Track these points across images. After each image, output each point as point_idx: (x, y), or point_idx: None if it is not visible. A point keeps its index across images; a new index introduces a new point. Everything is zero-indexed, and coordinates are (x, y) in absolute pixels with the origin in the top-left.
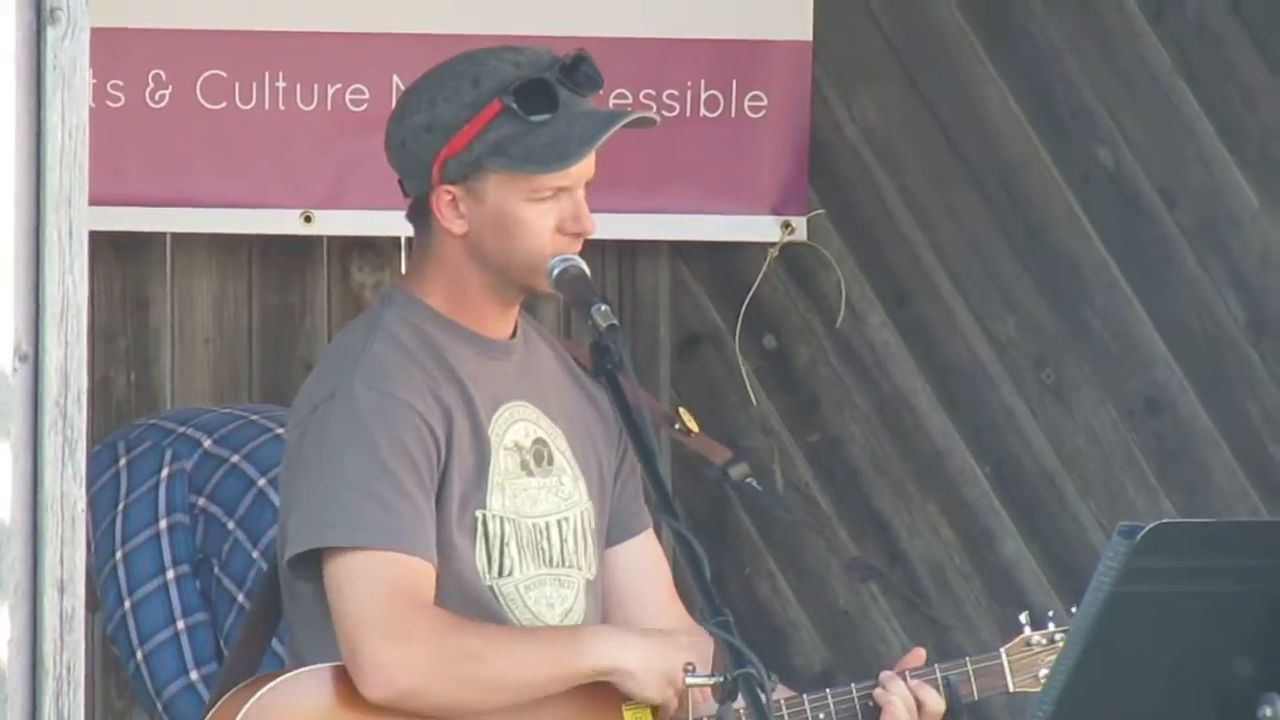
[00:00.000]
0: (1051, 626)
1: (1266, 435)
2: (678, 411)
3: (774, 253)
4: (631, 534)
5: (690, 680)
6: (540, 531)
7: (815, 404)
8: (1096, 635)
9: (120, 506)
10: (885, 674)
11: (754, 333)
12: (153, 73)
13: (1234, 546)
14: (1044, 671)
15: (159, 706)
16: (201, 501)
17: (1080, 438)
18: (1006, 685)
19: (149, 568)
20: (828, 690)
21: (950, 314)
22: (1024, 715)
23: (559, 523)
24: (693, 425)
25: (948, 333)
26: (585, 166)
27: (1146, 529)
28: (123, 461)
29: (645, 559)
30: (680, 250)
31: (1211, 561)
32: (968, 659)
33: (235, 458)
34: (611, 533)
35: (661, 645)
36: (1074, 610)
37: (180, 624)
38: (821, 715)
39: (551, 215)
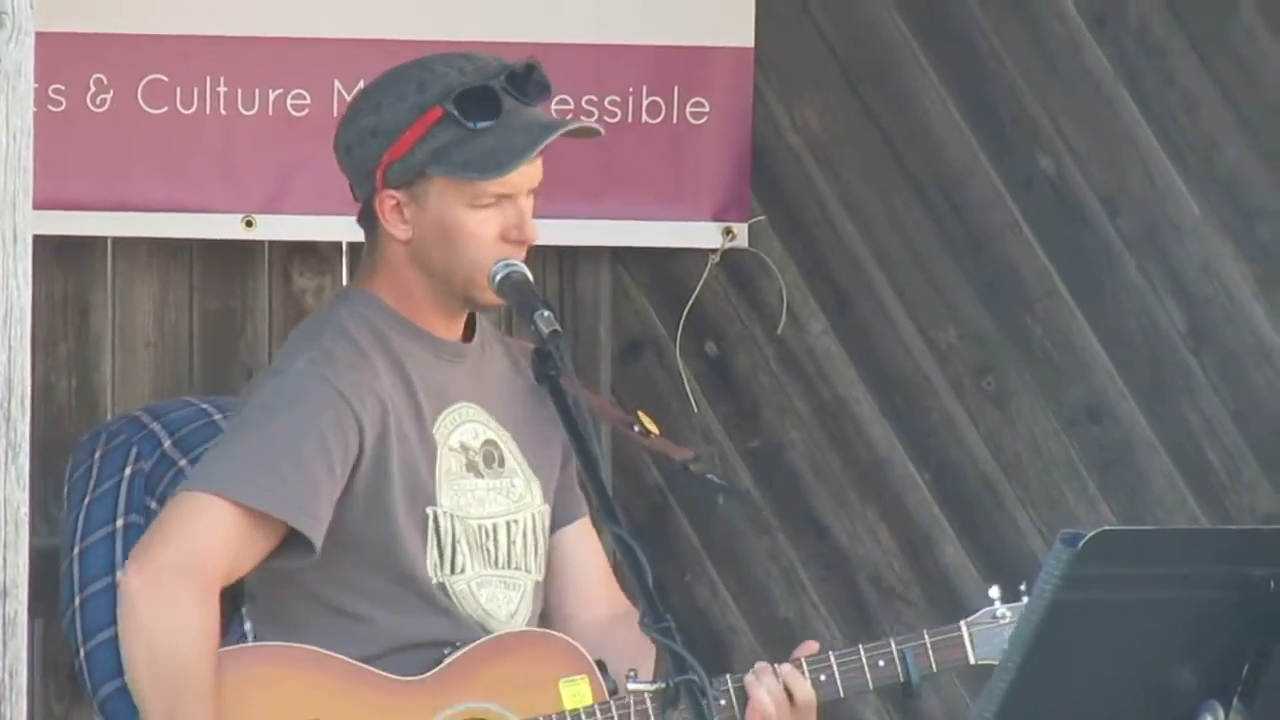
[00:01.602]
0: (1024, 600)
1: (1206, 443)
2: (637, 415)
3: (715, 259)
4: (571, 520)
5: (632, 686)
6: (487, 533)
7: (756, 411)
8: (1038, 643)
9: (86, 501)
10: (760, 665)
11: (695, 339)
12: (94, 77)
13: (1176, 554)
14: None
15: (95, 705)
16: (154, 505)
17: (1020, 445)
18: (967, 657)
19: (100, 565)
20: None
21: (891, 321)
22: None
23: (508, 524)
24: (653, 427)
25: (889, 340)
26: (529, 174)
27: (1089, 536)
28: (98, 454)
29: (585, 544)
30: (621, 256)
31: (1153, 569)
32: (925, 632)
33: (183, 461)
34: (552, 520)
35: None
36: None
37: None
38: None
39: (494, 223)
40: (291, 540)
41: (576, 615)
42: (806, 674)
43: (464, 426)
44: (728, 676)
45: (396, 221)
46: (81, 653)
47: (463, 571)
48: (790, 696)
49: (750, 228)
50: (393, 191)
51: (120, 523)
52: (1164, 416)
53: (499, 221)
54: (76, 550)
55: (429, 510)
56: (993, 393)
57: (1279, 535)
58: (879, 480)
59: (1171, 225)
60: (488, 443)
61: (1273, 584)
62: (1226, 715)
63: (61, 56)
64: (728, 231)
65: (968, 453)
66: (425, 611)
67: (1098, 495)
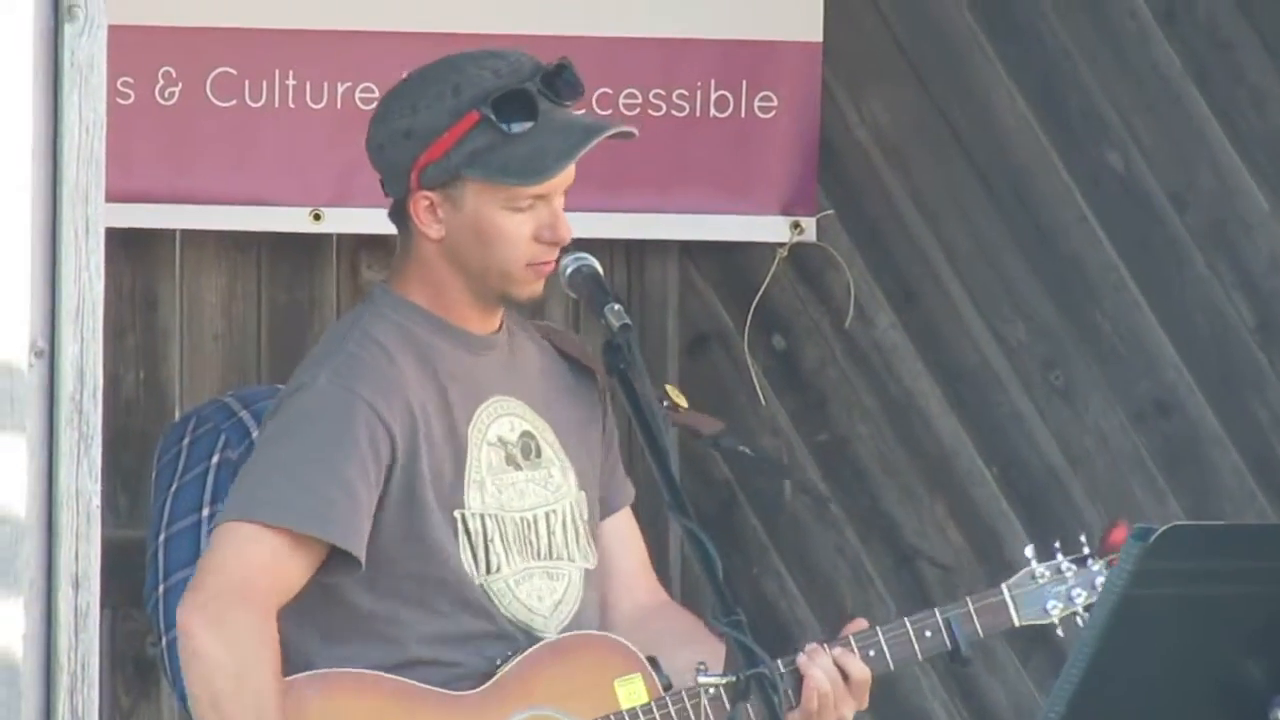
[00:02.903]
0: (1059, 558)
1: (1275, 438)
2: (664, 389)
3: (783, 253)
4: (617, 508)
5: (702, 679)
6: (529, 525)
7: (824, 405)
8: (1108, 638)
9: (173, 488)
10: (811, 645)
11: (763, 333)
12: (163, 70)
13: (1247, 549)
14: (1052, 603)
15: (176, 694)
16: None
17: (1089, 439)
18: (1012, 620)
19: (184, 555)
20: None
21: (959, 315)
22: (1035, 716)
23: (547, 515)
24: (680, 400)
25: (956, 334)
26: (564, 176)
27: (1160, 531)
28: (187, 440)
29: (627, 532)
30: (689, 250)
31: (1224, 564)
32: (969, 598)
33: None
34: (601, 508)
35: None
36: (1082, 540)
37: None
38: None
39: (528, 224)
40: (334, 555)
41: (617, 604)
42: (856, 651)
43: (501, 420)
44: (779, 661)
45: (430, 221)
46: (163, 640)
47: (499, 571)
48: (845, 674)
49: (818, 222)
50: (427, 192)
51: (206, 512)
52: (1232, 411)
53: (533, 222)
54: (162, 538)
55: (456, 513)
56: (1060, 387)
57: None
58: (947, 474)
59: (1240, 221)
60: (525, 434)
61: None
62: None
63: (130, 49)
64: (795, 225)
65: (1035, 447)
66: (462, 614)
67: (1166, 490)
